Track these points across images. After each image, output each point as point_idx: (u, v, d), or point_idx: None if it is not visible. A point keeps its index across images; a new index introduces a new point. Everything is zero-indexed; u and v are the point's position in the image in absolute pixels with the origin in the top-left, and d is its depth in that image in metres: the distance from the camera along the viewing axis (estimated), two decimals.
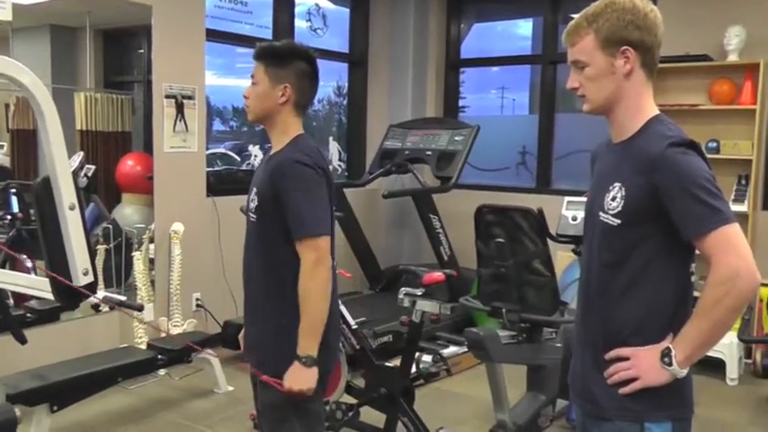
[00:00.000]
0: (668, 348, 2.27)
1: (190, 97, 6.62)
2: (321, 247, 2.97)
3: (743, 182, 6.90)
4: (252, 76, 3.15)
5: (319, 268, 2.96)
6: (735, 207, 6.82)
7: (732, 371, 6.45)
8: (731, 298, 2.17)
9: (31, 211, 5.37)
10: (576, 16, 2.41)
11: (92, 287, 3.67)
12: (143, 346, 5.96)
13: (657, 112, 2.41)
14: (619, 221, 2.31)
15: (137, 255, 6.41)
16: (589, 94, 2.40)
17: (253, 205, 3.10)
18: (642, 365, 2.30)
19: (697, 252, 2.30)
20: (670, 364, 2.26)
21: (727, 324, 2.25)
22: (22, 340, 4.35)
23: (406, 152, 7.81)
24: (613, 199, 2.33)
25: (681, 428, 2.41)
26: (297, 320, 3.01)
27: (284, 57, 3.12)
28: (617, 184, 2.33)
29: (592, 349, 2.44)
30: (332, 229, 3.13)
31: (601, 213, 2.37)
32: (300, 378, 2.97)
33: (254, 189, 3.11)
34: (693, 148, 2.28)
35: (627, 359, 2.33)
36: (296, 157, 3.01)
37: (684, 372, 2.29)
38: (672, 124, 2.39)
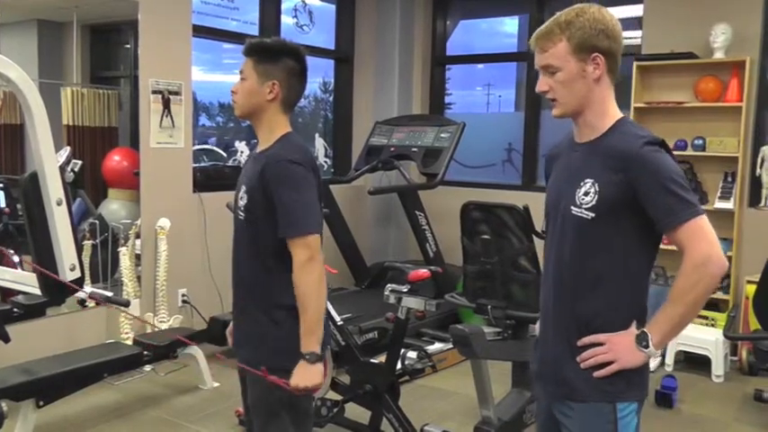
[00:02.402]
0: (644, 332, 2.44)
1: (176, 93, 6.61)
2: (312, 245, 2.98)
3: (729, 179, 6.94)
4: (240, 72, 3.14)
5: (312, 265, 2.97)
6: (721, 204, 6.87)
7: (718, 368, 6.48)
8: (704, 282, 2.37)
9: (18, 206, 5.37)
10: (546, 22, 2.51)
11: (78, 282, 3.68)
12: (129, 342, 5.95)
13: (621, 114, 2.57)
14: (593, 215, 2.44)
15: (123, 250, 6.40)
16: (560, 97, 2.53)
17: (242, 203, 3.10)
18: (618, 349, 2.45)
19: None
20: (647, 346, 2.43)
21: (699, 308, 2.45)
22: (5, 339, 4.36)
23: (392, 149, 7.81)
24: (586, 194, 2.46)
25: (640, 408, 2.56)
26: (285, 317, 3.04)
27: (274, 53, 3.12)
28: (588, 180, 2.46)
29: (564, 337, 2.55)
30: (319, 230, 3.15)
31: (573, 207, 2.49)
32: (306, 375, 2.98)
33: (243, 187, 3.11)
34: (665, 147, 2.45)
35: (602, 344, 2.47)
36: (286, 156, 3.01)
37: (658, 353, 2.46)
38: (639, 125, 2.59)
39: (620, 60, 2.54)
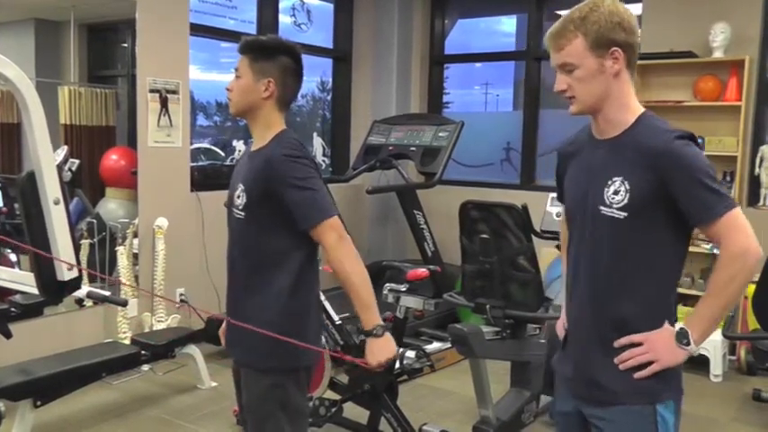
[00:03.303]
0: (683, 329, 2.41)
1: (174, 92, 6.60)
2: (336, 226, 3.02)
3: (728, 178, 6.93)
4: (236, 70, 3.13)
5: (344, 243, 3.02)
6: None
7: (716, 367, 6.48)
8: (743, 273, 2.35)
9: (16, 206, 5.36)
10: (561, 15, 2.46)
11: (76, 282, 3.67)
12: (127, 342, 5.94)
13: (642, 108, 2.51)
14: (625, 214, 2.39)
15: (120, 249, 6.39)
16: (579, 95, 2.46)
17: (239, 202, 3.08)
18: (658, 348, 2.42)
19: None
20: (688, 344, 2.40)
21: (737, 300, 2.54)
22: (7, 334, 4.34)
23: (391, 148, 7.80)
24: (616, 193, 2.41)
25: (678, 407, 2.53)
26: (280, 316, 3.04)
27: (269, 51, 3.11)
28: (617, 179, 2.41)
29: (598, 339, 2.51)
30: None
31: (602, 207, 2.44)
32: (380, 349, 3.04)
33: (241, 185, 3.09)
34: (694, 140, 2.43)
35: (639, 344, 2.43)
36: (285, 152, 3.00)
37: (699, 350, 2.43)
38: (663, 119, 2.51)
39: (638, 53, 2.49)
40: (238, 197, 3.09)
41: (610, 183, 2.42)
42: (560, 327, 2.79)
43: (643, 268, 2.44)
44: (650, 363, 2.42)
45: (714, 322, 2.44)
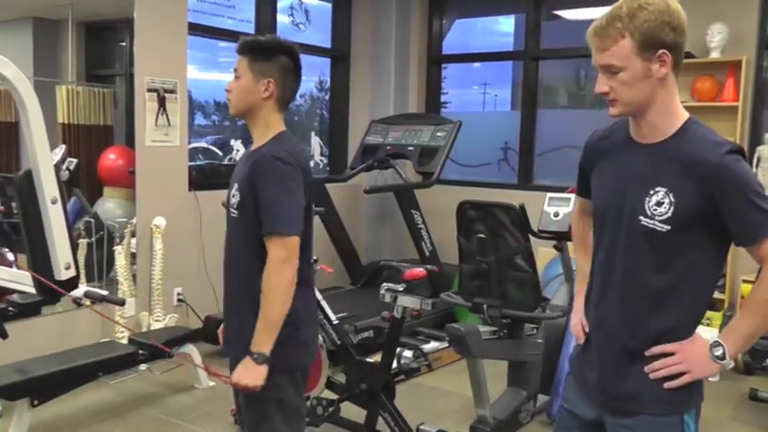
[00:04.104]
0: (718, 342, 2.35)
1: (172, 91, 6.60)
2: (290, 246, 2.95)
3: None
4: (235, 70, 3.12)
5: (286, 267, 2.94)
6: None
7: None
8: None
9: (13, 205, 5.36)
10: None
11: (73, 281, 3.67)
12: (124, 341, 5.94)
13: (686, 113, 2.42)
14: (668, 227, 2.31)
15: (118, 249, 6.39)
16: (622, 98, 2.34)
17: (234, 201, 3.08)
18: (691, 359, 2.37)
19: None
20: (723, 357, 2.35)
21: None
22: (3, 335, 4.34)
23: (388, 147, 7.80)
24: (659, 204, 2.32)
25: (699, 412, 2.51)
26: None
27: (268, 51, 3.10)
28: (661, 190, 2.32)
29: (630, 349, 2.44)
30: (310, 228, 3.14)
31: (642, 218, 2.35)
32: (249, 374, 2.97)
33: (235, 185, 3.10)
34: (743, 154, 2.32)
35: (671, 354, 2.38)
36: (276, 154, 2.99)
37: (732, 364, 2.38)
38: (709, 128, 2.41)
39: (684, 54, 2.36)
40: (233, 196, 3.09)
41: (652, 193, 2.33)
42: (579, 328, 2.69)
43: (683, 283, 2.37)
44: (681, 373, 2.38)
45: (751, 339, 2.41)
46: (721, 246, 2.37)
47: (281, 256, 2.93)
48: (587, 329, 2.63)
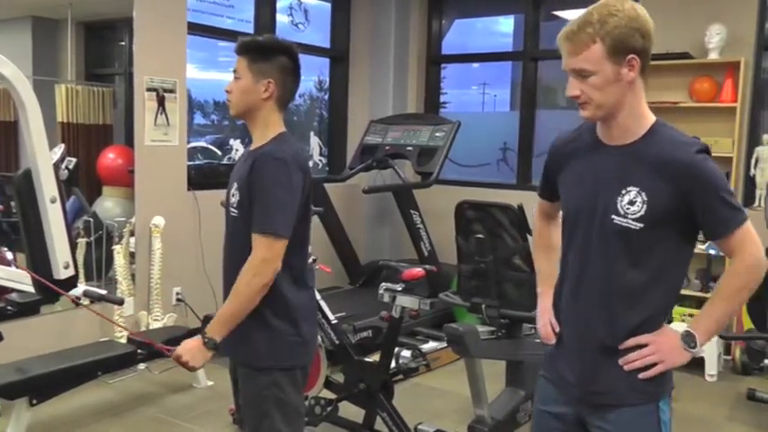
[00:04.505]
0: (688, 332, 2.46)
1: (171, 90, 6.60)
2: (277, 248, 2.96)
3: None
4: (234, 71, 3.13)
5: (268, 267, 2.95)
6: None
7: (711, 367, 6.50)
8: (754, 283, 2.43)
9: (12, 204, 5.36)
10: (558, 16, 2.43)
11: (72, 280, 3.68)
12: (123, 340, 5.94)
13: (653, 115, 2.49)
14: (641, 225, 2.38)
15: (117, 248, 6.40)
16: (593, 101, 2.40)
17: (234, 200, 3.09)
18: (664, 349, 2.46)
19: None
20: (694, 346, 2.46)
21: (741, 307, 2.58)
22: None
23: (387, 147, 7.81)
24: (631, 203, 2.39)
25: (670, 399, 2.60)
26: (271, 317, 3.07)
27: (267, 51, 3.11)
28: (633, 189, 2.39)
29: (600, 345, 2.52)
30: (308, 228, 3.18)
31: (615, 217, 2.42)
32: (194, 353, 2.99)
33: (235, 184, 3.11)
34: (709, 154, 2.41)
35: (645, 346, 2.46)
36: (277, 154, 3.00)
37: (702, 352, 2.48)
38: (676, 128, 2.50)
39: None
40: (233, 195, 3.10)
41: (624, 192, 2.41)
42: (549, 329, 2.76)
43: (656, 278, 2.45)
44: (655, 363, 2.46)
45: (720, 327, 2.51)
46: (690, 240, 2.48)
47: (266, 256, 2.94)
48: (557, 329, 2.71)
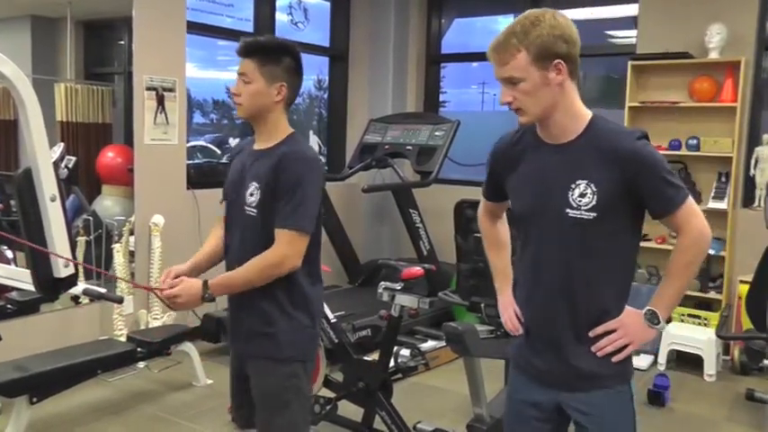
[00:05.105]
0: (651, 310, 2.61)
1: (170, 89, 6.60)
2: (302, 245, 3.04)
3: (723, 179, 6.94)
4: (242, 74, 3.11)
5: (285, 264, 3.03)
6: (714, 204, 6.89)
7: (710, 367, 6.50)
8: (702, 254, 2.60)
9: (13, 203, 5.36)
10: (501, 31, 2.53)
11: (72, 279, 3.67)
12: (123, 339, 5.95)
13: (590, 111, 2.61)
14: (594, 215, 2.50)
15: (117, 247, 6.40)
16: (526, 107, 2.53)
17: (253, 199, 3.10)
18: (631, 331, 2.60)
19: None
20: (658, 322, 2.61)
21: (693, 279, 2.73)
22: None
23: (387, 146, 7.81)
24: (582, 195, 2.51)
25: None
26: (295, 306, 3.14)
27: (276, 54, 3.12)
28: (581, 182, 2.51)
29: (575, 330, 2.63)
30: (320, 225, 3.24)
31: (569, 210, 2.53)
32: (191, 299, 3.09)
33: (254, 184, 3.11)
34: (648, 139, 2.57)
35: (613, 331, 2.60)
36: (307, 153, 3.11)
37: (666, 326, 2.57)
38: (611, 121, 2.63)
39: (580, 62, 2.55)
40: (251, 195, 3.10)
41: (574, 186, 2.52)
42: (515, 321, 2.88)
43: (614, 261, 2.59)
44: (625, 346, 2.60)
45: (677, 300, 2.67)
46: (637, 221, 2.60)
47: (287, 253, 3.01)
48: (522, 320, 2.83)
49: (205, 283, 3.05)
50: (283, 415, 3.17)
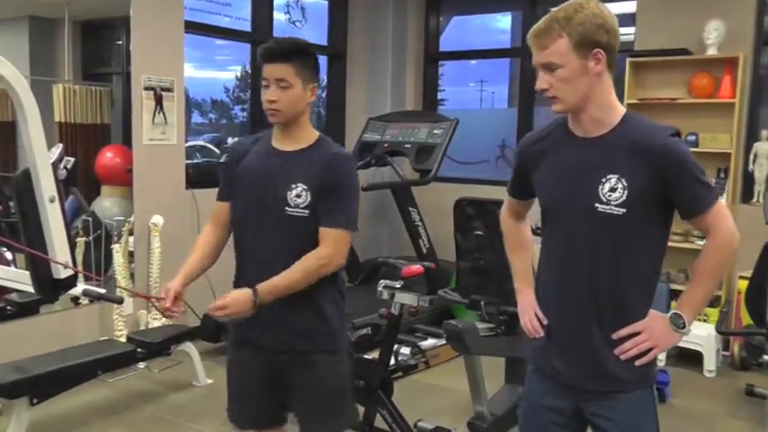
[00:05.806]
0: (676, 314, 2.58)
1: (169, 89, 6.60)
2: (345, 243, 3.16)
3: (722, 175, 6.94)
4: (280, 80, 3.02)
5: (334, 262, 3.14)
6: None
7: (710, 363, 6.51)
8: (730, 257, 2.58)
9: (11, 204, 5.36)
10: (543, 17, 2.50)
11: (72, 280, 3.67)
12: (123, 339, 5.95)
13: (623, 107, 2.59)
14: (623, 210, 2.47)
15: (116, 247, 6.40)
16: (562, 94, 2.51)
17: (301, 201, 3.07)
18: (656, 334, 2.57)
19: None
20: (683, 326, 2.57)
21: (720, 281, 2.58)
22: None
23: (386, 145, 7.81)
24: (612, 190, 2.47)
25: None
26: (335, 299, 3.30)
27: (307, 55, 3.13)
28: (612, 176, 2.48)
29: (601, 332, 2.59)
30: None
31: (598, 205, 2.50)
32: (242, 308, 3.05)
33: (301, 185, 3.08)
34: (680, 137, 2.54)
35: (638, 333, 2.56)
36: (349, 155, 3.23)
37: (691, 330, 2.61)
38: (645, 117, 2.61)
39: (617, 55, 2.53)
40: (299, 196, 3.08)
41: (604, 180, 2.48)
42: (536, 323, 2.80)
43: (642, 258, 2.55)
44: (650, 349, 2.56)
45: (704, 304, 2.66)
46: (667, 220, 2.57)
47: (338, 252, 3.13)
48: (545, 322, 2.76)
49: (254, 291, 3.01)
50: (346, 400, 3.30)
